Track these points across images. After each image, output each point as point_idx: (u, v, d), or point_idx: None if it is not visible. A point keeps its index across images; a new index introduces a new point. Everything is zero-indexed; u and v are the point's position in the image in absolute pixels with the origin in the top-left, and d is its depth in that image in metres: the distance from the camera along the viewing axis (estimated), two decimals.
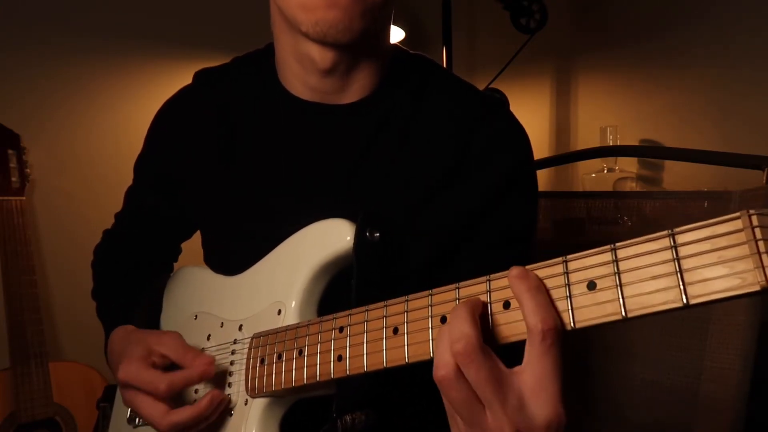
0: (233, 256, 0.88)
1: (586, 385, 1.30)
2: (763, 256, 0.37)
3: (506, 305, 0.50)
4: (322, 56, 0.79)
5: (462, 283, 0.53)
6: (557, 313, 0.48)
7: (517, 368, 0.49)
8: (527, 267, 0.50)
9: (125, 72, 1.94)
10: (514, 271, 0.50)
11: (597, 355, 1.30)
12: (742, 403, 1.09)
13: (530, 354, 0.48)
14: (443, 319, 0.54)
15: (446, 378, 0.49)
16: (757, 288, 0.38)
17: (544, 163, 1.69)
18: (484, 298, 0.51)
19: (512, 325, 0.51)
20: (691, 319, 1.18)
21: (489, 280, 0.51)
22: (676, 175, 2.08)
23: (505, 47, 2.24)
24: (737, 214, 0.39)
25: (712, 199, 1.23)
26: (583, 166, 2.16)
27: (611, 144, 2.06)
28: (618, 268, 0.45)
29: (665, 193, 1.86)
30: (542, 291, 0.48)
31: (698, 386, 1.15)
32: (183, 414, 0.74)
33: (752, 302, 1.09)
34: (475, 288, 0.52)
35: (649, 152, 2.02)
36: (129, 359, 0.78)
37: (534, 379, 0.48)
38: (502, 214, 0.83)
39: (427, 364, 0.54)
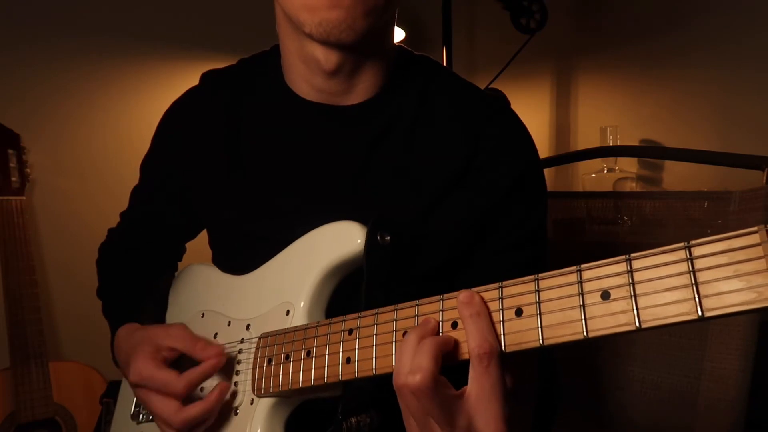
0: (240, 256, 0.88)
1: (587, 385, 1.31)
2: None
3: (518, 312, 0.51)
4: (326, 57, 0.79)
5: (473, 290, 0.54)
6: (495, 337, 0.52)
7: (464, 389, 0.53)
8: (547, 273, 0.51)
9: (126, 72, 1.94)
10: (462, 295, 0.54)
11: (597, 356, 1.30)
12: (742, 403, 1.10)
13: (471, 375, 0.52)
14: (454, 325, 0.54)
15: (402, 388, 0.53)
16: None
17: (544, 163, 1.69)
18: (495, 305, 0.52)
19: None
20: None
21: (501, 287, 0.52)
22: (676, 175, 2.08)
23: (505, 47, 2.24)
24: (755, 228, 0.39)
25: (712, 199, 1.23)
26: (583, 166, 2.16)
27: (611, 144, 2.06)
28: (633, 279, 0.45)
29: (665, 193, 1.86)
30: (482, 315, 0.52)
31: (698, 386, 1.16)
32: (195, 409, 0.75)
33: None
34: (486, 295, 0.53)
35: (649, 152, 2.02)
36: (139, 359, 0.78)
37: (476, 399, 0.52)
38: (513, 216, 0.84)
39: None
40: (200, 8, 2.05)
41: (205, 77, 0.95)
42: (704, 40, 2.03)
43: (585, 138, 2.41)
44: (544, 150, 2.50)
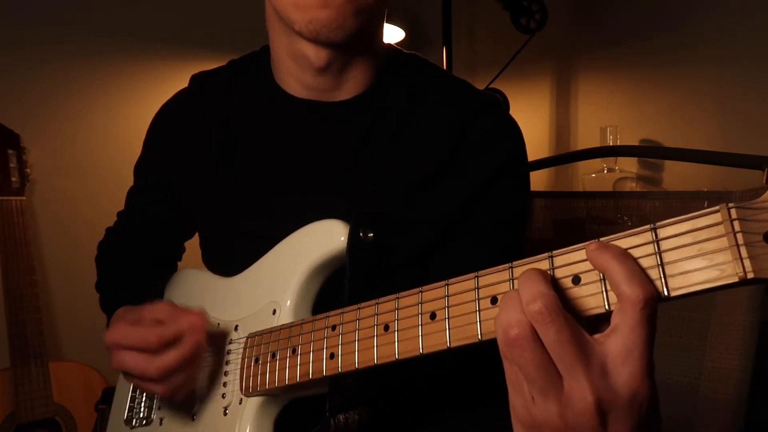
0: (232, 255, 0.89)
1: None
2: (741, 248, 0.38)
3: (493, 301, 0.50)
4: (316, 55, 0.80)
5: (451, 280, 0.54)
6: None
7: (599, 336, 0.45)
8: (520, 261, 0.49)
9: (125, 72, 1.95)
10: (593, 244, 0.46)
11: None
12: (742, 402, 1.09)
13: (623, 323, 0.43)
14: (432, 316, 0.54)
15: (520, 338, 0.44)
16: (735, 279, 0.39)
17: (544, 163, 1.69)
18: (472, 295, 0.51)
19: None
20: (691, 320, 1.18)
21: (477, 277, 0.51)
22: (676, 175, 2.07)
23: (505, 47, 2.24)
24: (717, 207, 0.40)
25: (712, 199, 1.23)
26: (583, 166, 2.16)
27: (611, 144, 2.06)
28: None
29: (665, 193, 1.86)
30: (629, 257, 0.44)
31: (698, 386, 1.15)
32: (169, 355, 0.73)
33: (752, 302, 1.09)
34: (463, 285, 0.52)
35: (649, 152, 2.02)
36: (119, 323, 0.77)
37: (622, 349, 0.44)
38: (490, 202, 0.84)
39: (420, 362, 0.55)
40: (201, 9, 2.06)
41: (194, 79, 0.96)
42: (704, 39, 2.03)
43: (585, 138, 2.41)
44: (544, 150, 2.49)
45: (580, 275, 0.46)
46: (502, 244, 0.84)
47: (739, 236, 0.38)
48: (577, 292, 0.46)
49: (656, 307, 0.43)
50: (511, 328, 0.45)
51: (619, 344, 0.43)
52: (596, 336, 0.45)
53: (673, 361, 1.20)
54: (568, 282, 0.46)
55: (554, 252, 0.47)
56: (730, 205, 0.38)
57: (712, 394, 1.13)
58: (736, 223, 0.38)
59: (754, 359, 1.10)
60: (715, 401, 1.12)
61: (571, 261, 0.46)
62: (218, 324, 0.84)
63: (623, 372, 0.44)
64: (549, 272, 0.47)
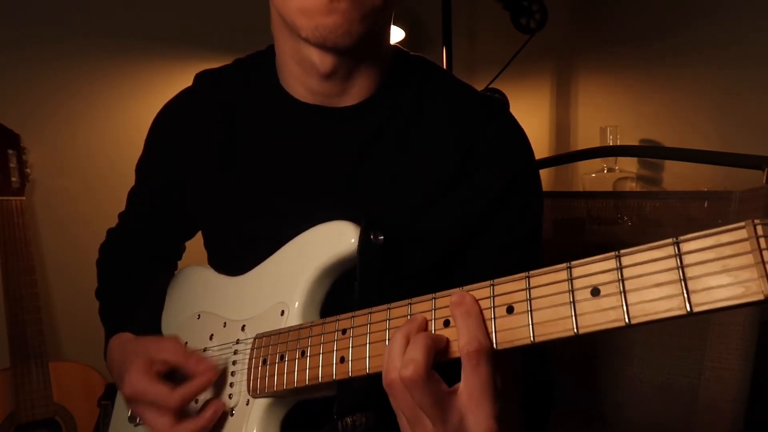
0: (235, 257, 0.88)
1: (587, 385, 1.31)
2: (767, 266, 0.38)
3: (509, 310, 0.51)
4: (322, 60, 0.79)
5: (465, 288, 0.54)
6: (486, 336, 0.52)
7: (456, 386, 0.53)
8: (537, 270, 0.51)
9: (126, 72, 1.94)
10: (454, 296, 0.54)
11: (598, 356, 1.30)
12: (742, 403, 1.10)
13: (463, 373, 0.52)
14: (446, 323, 0.54)
15: (393, 384, 0.54)
16: (761, 297, 0.38)
17: (544, 163, 1.69)
18: (487, 303, 0.51)
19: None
20: (691, 320, 1.18)
21: (492, 285, 0.52)
22: (676, 175, 2.08)
23: (505, 47, 2.24)
24: (742, 223, 0.39)
25: (712, 199, 1.23)
26: (583, 166, 2.16)
27: (611, 144, 2.06)
28: (622, 275, 0.45)
29: (665, 193, 1.86)
30: (473, 314, 0.52)
31: (698, 386, 1.16)
32: (189, 426, 0.75)
33: None
34: (478, 293, 0.52)
35: (649, 152, 2.02)
36: (132, 372, 0.78)
37: (468, 397, 0.52)
38: (507, 216, 0.83)
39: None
40: (201, 9, 2.05)
41: (198, 78, 0.95)
42: (704, 40, 2.03)
43: (585, 138, 2.41)
44: (544, 150, 2.50)
45: (449, 318, 0.55)
46: (522, 255, 0.83)
47: (765, 253, 0.38)
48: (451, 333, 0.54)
49: (486, 359, 0.51)
50: (388, 373, 0.54)
51: (464, 392, 0.52)
52: (454, 387, 0.53)
53: (673, 361, 1.20)
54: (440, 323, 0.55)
55: (573, 263, 0.47)
56: (756, 221, 0.38)
57: (712, 394, 1.13)
58: (762, 240, 0.38)
59: (754, 359, 1.10)
60: (715, 401, 1.13)
61: (590, 272, 0.47)
62: (224, 324, 0.84)
63: (473, 418, 0.52)
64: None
